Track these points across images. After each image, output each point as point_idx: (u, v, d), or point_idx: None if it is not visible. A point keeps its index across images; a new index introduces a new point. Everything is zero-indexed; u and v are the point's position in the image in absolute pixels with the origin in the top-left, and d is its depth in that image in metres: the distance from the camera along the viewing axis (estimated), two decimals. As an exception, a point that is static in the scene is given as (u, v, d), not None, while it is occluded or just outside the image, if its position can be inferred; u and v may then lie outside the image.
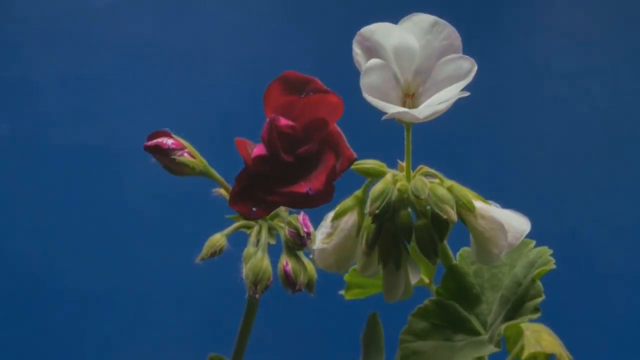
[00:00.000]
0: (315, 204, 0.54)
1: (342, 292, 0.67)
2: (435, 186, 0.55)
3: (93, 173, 1.32)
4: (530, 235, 0.57)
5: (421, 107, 0.53)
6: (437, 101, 0.53)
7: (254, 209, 0.54)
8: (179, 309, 1.31)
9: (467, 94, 0.53)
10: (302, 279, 0.57)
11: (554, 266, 0.55)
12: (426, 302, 0.58)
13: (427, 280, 0.65)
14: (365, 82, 0.53)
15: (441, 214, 0.53)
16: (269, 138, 0.55)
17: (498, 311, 0.57)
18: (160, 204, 1.31)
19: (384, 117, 0.53)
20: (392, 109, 0.53)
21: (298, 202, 0.54)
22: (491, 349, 0.54)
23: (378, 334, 0.65)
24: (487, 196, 0.58)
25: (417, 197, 0.54)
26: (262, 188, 0.54)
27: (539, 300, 0.54)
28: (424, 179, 0.55)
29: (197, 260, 0.58)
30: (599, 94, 1.35)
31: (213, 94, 1.33)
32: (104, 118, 1.33)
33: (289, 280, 0.57)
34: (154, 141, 0.59)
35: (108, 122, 1.32)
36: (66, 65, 1.33)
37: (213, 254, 0.58)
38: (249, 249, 0.58)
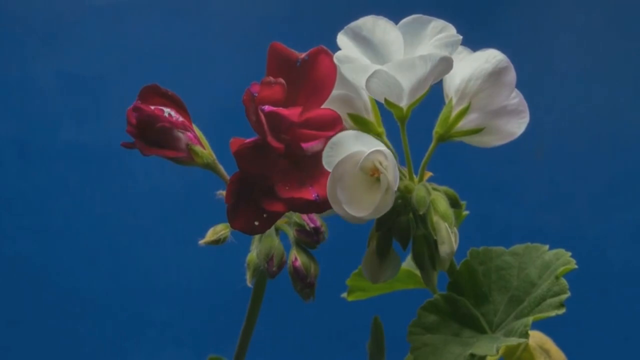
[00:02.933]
0: (321, 210, 0.50)
1: (344, 294, 0.67)
2: (437, 199, 0.53)
3: (93, 173, 1.32)
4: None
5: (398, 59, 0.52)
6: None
7: (256, 222, 0.49)
8: (180, 310, 1.31)
9: (449, 57, 0.51)
10: (313, 272, 0.56)
11: (575, 266, 0.56)
12: (436, 296, 0.58)
13: (430, 284, 0.65)
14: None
15: (433, 233, 0.52)
16: (253, 116, 0.49)
17: (507, 311, 0.57)
18: (162, 204, 1.30)
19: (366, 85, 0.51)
20: (370, 68, 0.50)
21: (303, 208, 0.50)
22: (514, 340, 0.53)
23: (380, 335, 0.65)
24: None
25: (416, 209, 0.53)
26: (260, 193, 0.49)
27: (565, 296, 0.54)
28: (428, 187, 0.54)
29: (201, 242, 0.57)
30: (600, 94, 1.35)
31: (213, 94, 1.33)
32: (104, 118, 1.33)
33: (299, 275, 0.56)
34: (148, 113, 0.53)
35: (108, 122, 1.32)
36: (66, 65, 1.33)
37: (216, 242, 0.56)
38: (253, 254, 0.57)
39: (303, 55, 0.51)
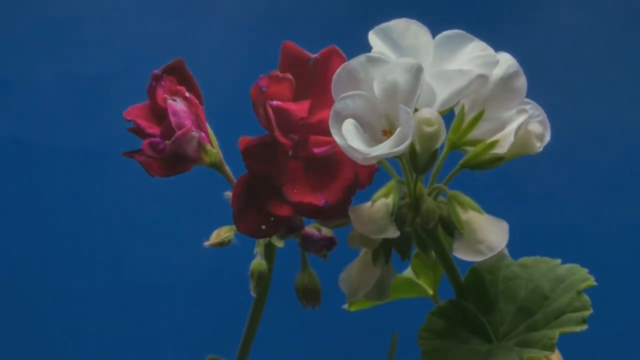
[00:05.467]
0: (329, 216, 0.49)
1: (345, 306, 0.66)
2: (457, 194, 0.52)
3: (93, 173, 1.31)
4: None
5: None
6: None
7: (263, 226, 0.48)
8: (180, 311, 1.31)
9: (486, 75, 0.50)
10: (324, 230, 0.54)
11: (594, 283, 0.55)
12: (445, 302, 0.58)
13: (431, 292, 0.65)
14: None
15: (461, 229, 0.51)
16: (261, 109, 0.48)
17: (515, 321, 0.56)
18: (163, 204, 1.30)
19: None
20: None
21: (310, 214, 0.49)
22: (536, 351, 0.53)
23: (391, 350, 0.64)
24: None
25: (426, 222, 0.51)
26: (267, 196, 0.48)
27: (587, 313, 0.54)
28: (438, 196, 0.52)
29: (206, 244, 0.56)
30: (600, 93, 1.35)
31: (213, 95, 1.33)
32: (104, 118, 1.32)
33: (311, 237, 0.54)
34: (172, 102, 0.52)
35: (108, 122, 1.32)
36: (66, 65, 1.32)
37: (220, 244, 0.56)
38: (257, 261, 0.56)
39: (315, 55, 0.51)
